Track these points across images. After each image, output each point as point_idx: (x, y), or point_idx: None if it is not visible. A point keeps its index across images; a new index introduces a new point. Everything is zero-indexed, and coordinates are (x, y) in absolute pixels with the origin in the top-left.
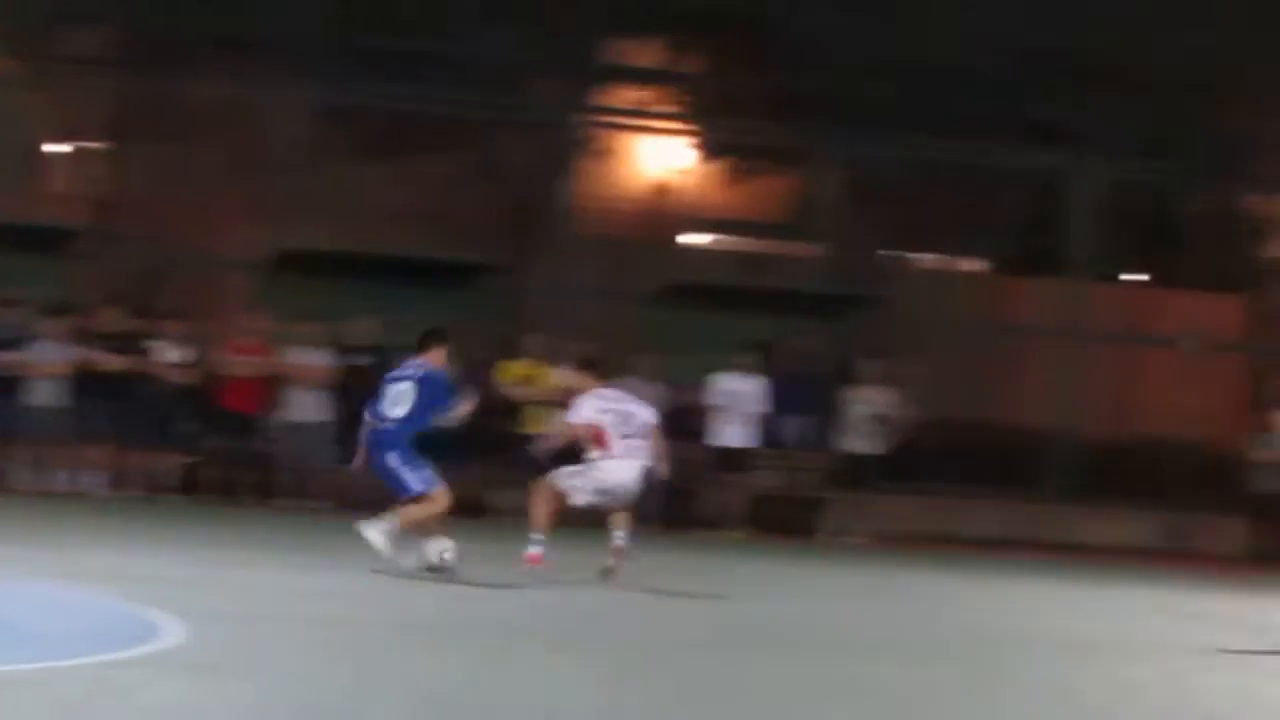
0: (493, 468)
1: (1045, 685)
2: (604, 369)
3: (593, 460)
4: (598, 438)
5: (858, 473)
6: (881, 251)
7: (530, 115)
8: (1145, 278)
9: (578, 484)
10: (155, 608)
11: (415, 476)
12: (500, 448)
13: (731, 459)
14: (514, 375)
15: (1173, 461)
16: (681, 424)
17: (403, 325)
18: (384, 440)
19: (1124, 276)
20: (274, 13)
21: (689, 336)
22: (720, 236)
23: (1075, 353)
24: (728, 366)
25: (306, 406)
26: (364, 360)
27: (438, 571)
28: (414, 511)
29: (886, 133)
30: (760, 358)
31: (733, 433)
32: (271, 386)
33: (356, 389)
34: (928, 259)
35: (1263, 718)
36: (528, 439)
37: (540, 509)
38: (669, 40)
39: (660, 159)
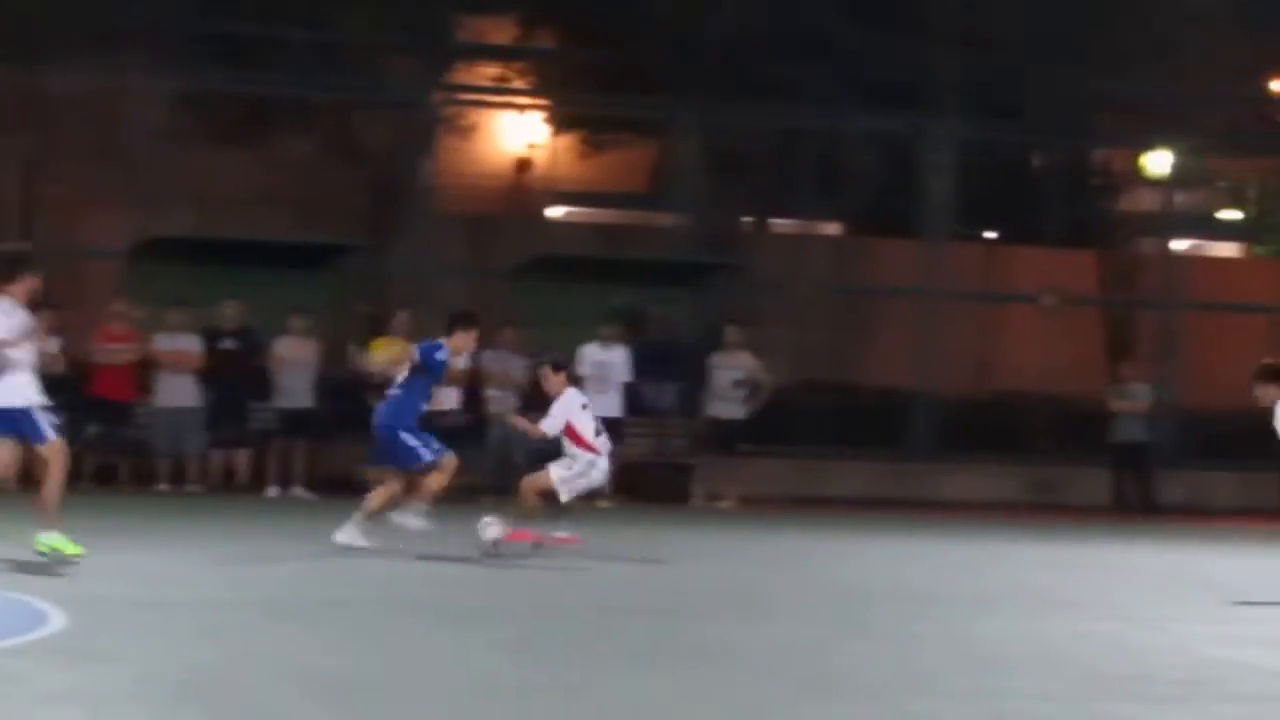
0: (365, 445)
1: (908, 638)
2: (572, 370)
3: (587, 459)
4: (576, 436)
5: (725, 437)
6: (741, 218)
7: (388, 95)
8: (1000, 235)
9: (578, 484)
10: (38, 596)
11: (421, 448)
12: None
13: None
14: (382, 353)
15: (1034, 416)
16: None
17: (270, 308)
18: (386, 411)
19: (980, 234)
20: (133, 1)
21: (554, 309)
22: (581, 209)
23: (934, 311)
24: (594, 337)
25: (178, 392)
26: (233, 344)
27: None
28: (434, 482)
29: (741, 101)
30: (625, 328)
31: (601, 402)
32: (143, 373)
33: (227, 373)
34: (787, 224)
35: (1124, 661)
36: None
37: (532, 501)
38: (524, 16)
39: (520, 134)
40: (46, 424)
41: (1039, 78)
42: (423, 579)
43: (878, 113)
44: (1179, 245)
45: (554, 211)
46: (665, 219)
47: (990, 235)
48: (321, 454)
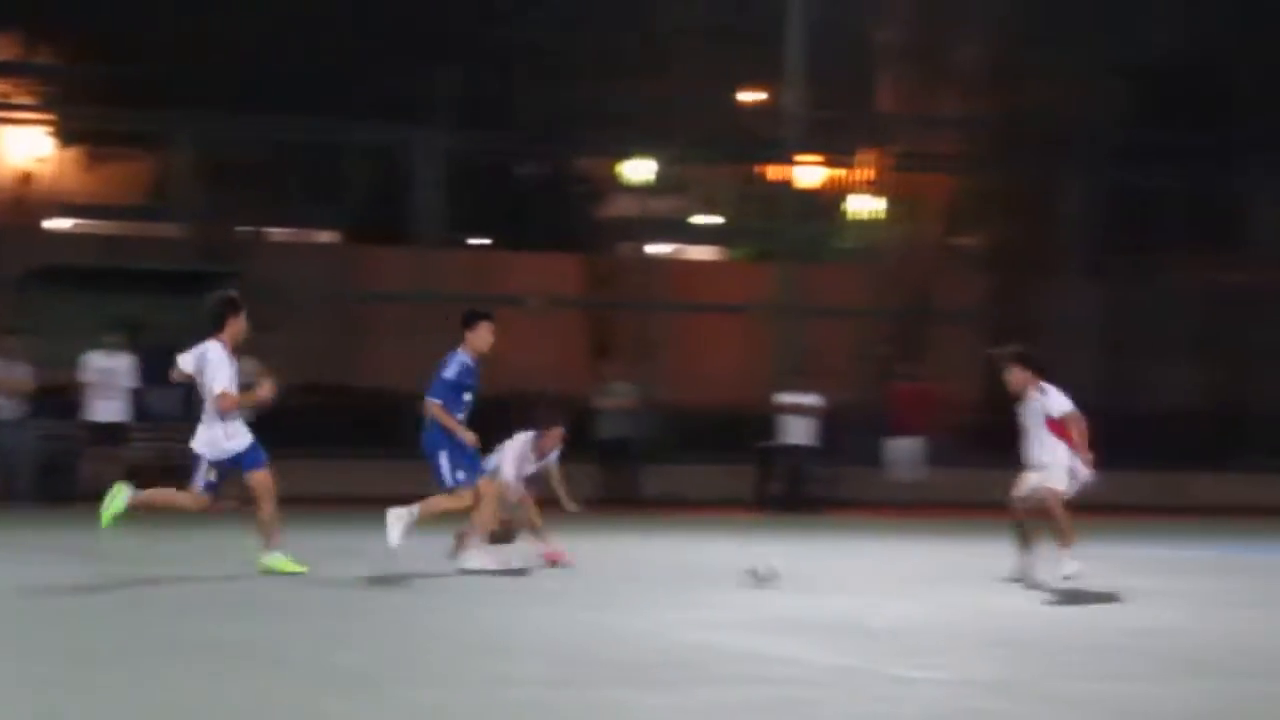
0: None
1: (413, 629)
2: None
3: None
4: None
5: None
6: (239, 227)
7: None
8: (491, 241)
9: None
10: None
11: (449, 470)
12: None
13: (105, 433)
14: None
15: (526, 414)
16: (55, 402)
17: None
18: (425, 437)
19: (471, 241)
20: None
21: (59, 318)
22: (86, 220)
23: (428, 316)
24: (98, 345)
25: None
26: None
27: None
28: (435, 503)
29: (237, 114)
30: (128, 335)
31: (106, 408)
32: None
33: None
34: (284, 233)
35: (614, 647)
36: None
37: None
38: (26, 33)
39: (23, 148)
40: (202, 476)
41: (527, 89)
42: None
43: (371, 124)
44: (659, 249)
45: (59, 223)
46: (166, 229)
47: (481, 241)
48: None
